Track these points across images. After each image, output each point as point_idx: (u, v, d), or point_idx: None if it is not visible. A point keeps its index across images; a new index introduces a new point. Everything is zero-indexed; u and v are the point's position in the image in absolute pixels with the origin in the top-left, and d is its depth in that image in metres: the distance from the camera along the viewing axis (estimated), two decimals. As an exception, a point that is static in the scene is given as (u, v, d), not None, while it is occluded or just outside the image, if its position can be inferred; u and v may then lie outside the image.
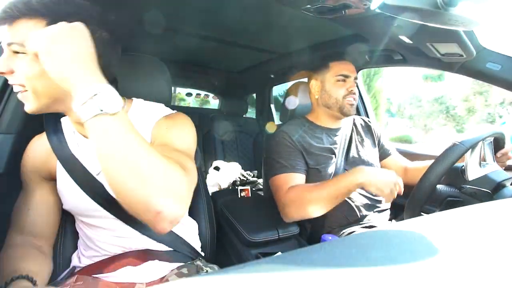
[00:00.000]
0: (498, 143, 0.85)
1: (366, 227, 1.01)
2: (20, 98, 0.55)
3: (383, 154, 1.21)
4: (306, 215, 0.91)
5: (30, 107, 0.55)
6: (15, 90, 0.55)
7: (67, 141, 0.68)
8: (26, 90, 0.53)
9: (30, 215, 0.68)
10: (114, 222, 0.68)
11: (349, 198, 1.02)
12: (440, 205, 0.78)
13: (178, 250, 0.77)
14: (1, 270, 0.59)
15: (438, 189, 0.80)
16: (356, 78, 1.09)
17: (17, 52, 0.52)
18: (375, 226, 1.01)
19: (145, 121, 0.67)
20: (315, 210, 0.89)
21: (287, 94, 1.31)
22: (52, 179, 0.70)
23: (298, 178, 0.98)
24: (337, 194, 0.86)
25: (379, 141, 1.21)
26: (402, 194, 0.85)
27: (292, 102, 1.24)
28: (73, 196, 0.68)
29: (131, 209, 0.45)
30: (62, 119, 0.72)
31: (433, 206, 0.83)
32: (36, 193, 0.69)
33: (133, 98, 0.73)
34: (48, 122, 0.70)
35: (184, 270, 0.71)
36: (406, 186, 0.88)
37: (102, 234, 0.71)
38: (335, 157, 1.06)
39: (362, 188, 0.88)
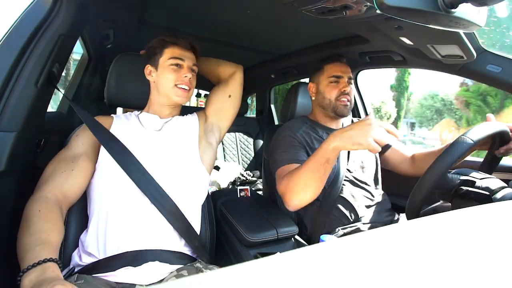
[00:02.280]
0: (503, 139, 0.84)
1: (366, 227, 1.01)
2: (184, 94, 0.91)
3: (383, 148, 1.17)
4: (301, 197, 0.85)
5: (186, 100, 0.93)
6: (185, 88, 0.91)
7: (117, 124, 0.87)
8: (190, 90, 0.93)
9: (72, 175, 0.75)
10: (136, 203, 0.76)
11: (350, 198, 1.02)
12: (451, 194, 0.75)
13: (186, 242, 0.79)
14: (33, 221, 0.63)
15: (449, 178, 0.77)
16: (350, 78, 1.10)
17: (193, 71, 0.94)
18: (374, 226, 1.02)
19: (192, 116, 1.02)
20: (305, 189, 0.84)
21: (288, 94, 1.32)
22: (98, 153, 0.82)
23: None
24: (317, 167, 0.81)
25: None
26: (394, 134, 0.74)
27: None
28: (111, 172, 0.77)
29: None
30: (124, 113, 0.96)
31: (443, 197, 0.80)
32: (83, 158, 0.79)
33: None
34: (83, 115, 0.83)
35: (184, 272, 0.71)
36: (414, 177, 0.86)
37: (113, 225, 0.73)
38: (336, 157, 1.06)
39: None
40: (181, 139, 0.90)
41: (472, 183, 0.73)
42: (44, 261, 0.54)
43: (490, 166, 0.88)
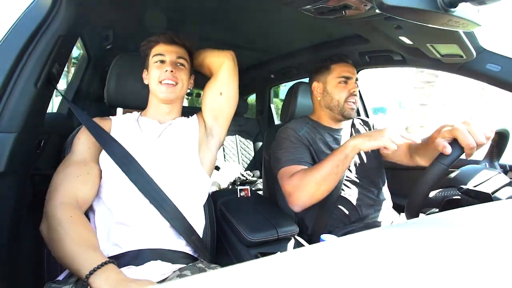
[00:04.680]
0: (502, 139, 0.84)
1: (367, 226, 1.01)
2: (168, 89, 0.88)
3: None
4: (312, 195, 0.89)
5: (173, 95, 0.90)
6: (169, 82, 0.87)
7: (116, 127, 0.87)
8: (177, 84, 0.89)
9: (88, 179, 0.76)
10: (137, 203, 0.75)
11: (351, 198, 1.02)
12: (439, 207, 0.78)
13: (187, 243, 0.79)
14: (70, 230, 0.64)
15: (435, 196, 0.79)
16: (357, 80, 1.10)
17: (181, 65, 0.91)
18: (376, 226, 1.01)
19: (192, 118, 0.99)
20: (320, 186, 0.87)
21: (288, 94, 1.31)
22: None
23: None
24: (337, 162, 0.85)
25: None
26: (410, 138, 0.80)
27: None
28: (112, 173, 0.77)
29: None
30: (122, 115, 0.95)
31: (431, 208, 0.83)
32: (93, 161, 0.80)
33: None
34: (80, 116, 0.83)
35: (187, 272, 0.71)
36: (414, 169, 0.89)
37: (114, 225, 0.73)
38: (354, 157, 1.06)
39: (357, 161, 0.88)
40: (180, 145, 0.88)
41: (456, 199, 0.74)
42: (104, 263, 0.59)
43: (497, 151, 0.87)
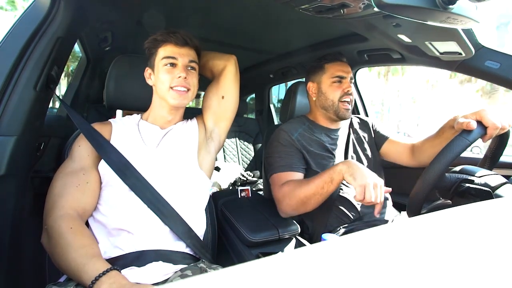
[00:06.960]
0: (503, 137, 0.84)
1: (367, 225, 1.01)
2: (181, 96, 0.84)
3: (380, 140, 1.17)
4: (298, 208, 0.93)
5: (185, 101, 0.87)
6: (181, 89, 0.84)
7: (115, 132, 0.85)
8: (189, 90, 0.85)
9: (88, 188, 0.75)
10: (135, 207, 0.75)
11: (350, 197, 1.02)
12: (452, 188, 0.76)
13: (187, 245, 0.79)
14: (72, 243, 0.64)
15: (449, 175, 0.78)
16: (352, 79, 1.09)
17: (193, 68, 0.87)
18: (376, 224, 1.01)
19: (192, 122, 0.97)
20: (305, 203, 0.90)
21: (287, 94, 1.32)
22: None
23: (295, 176, 0.99)
24: (322, 184, 0.86)
25: (374, 131, 1.19)
26: (378, 202, 0.78)
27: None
28: (110, 178, 0.76)
29: None
30: (122, 118, 0.92)
31: (442, 195, 0.81)
32: (93, 169, 0.78)
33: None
34: (77, 121, 0.81)
35: (188, 272, 0.71)
36: (415, 168, 0.91)
37: (113, 229, 0.73)
38: (334, 158, 1.06)
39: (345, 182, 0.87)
40: (180, 151, 0.87)
41: (470, 182, 0.73)
42: (108, 270, 0.58)
43: (491, 161, 0.88)
